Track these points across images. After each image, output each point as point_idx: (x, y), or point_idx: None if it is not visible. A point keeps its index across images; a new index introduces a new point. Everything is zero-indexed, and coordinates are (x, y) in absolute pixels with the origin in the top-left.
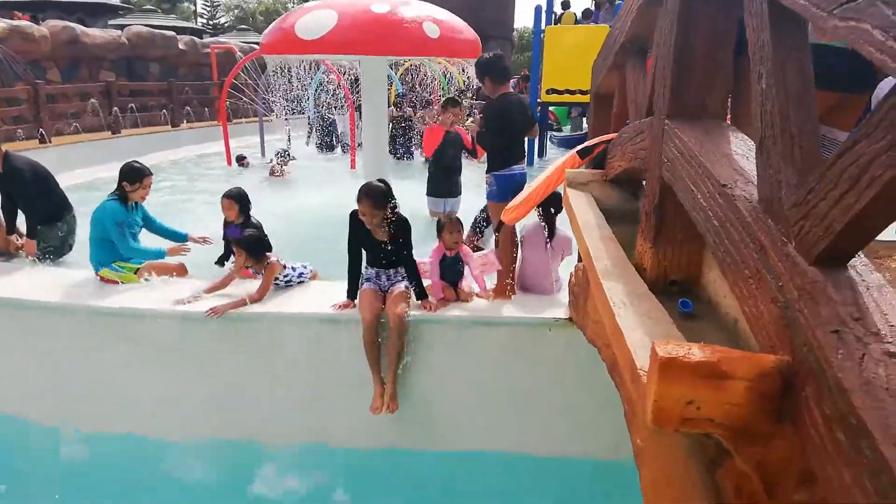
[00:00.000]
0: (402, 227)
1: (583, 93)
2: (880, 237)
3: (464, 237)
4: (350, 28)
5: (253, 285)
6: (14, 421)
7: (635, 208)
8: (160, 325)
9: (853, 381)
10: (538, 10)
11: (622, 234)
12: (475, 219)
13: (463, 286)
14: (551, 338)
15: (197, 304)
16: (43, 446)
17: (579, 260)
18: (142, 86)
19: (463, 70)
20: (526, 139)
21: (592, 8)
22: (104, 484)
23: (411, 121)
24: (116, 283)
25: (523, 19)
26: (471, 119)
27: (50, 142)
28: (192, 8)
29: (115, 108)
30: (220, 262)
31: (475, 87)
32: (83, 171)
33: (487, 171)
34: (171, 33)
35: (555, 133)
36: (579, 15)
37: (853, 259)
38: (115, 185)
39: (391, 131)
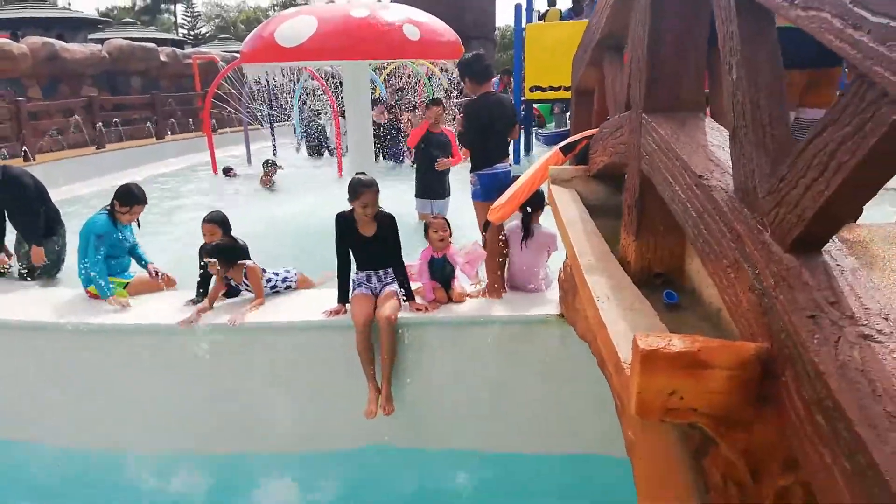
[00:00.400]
0: (388, 221)
1: (566, 89)
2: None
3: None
4: (330, 34)
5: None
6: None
7: (619, 202)
8: (151, 339)
9: (829, 364)
10: (518, 8)
11: (607, 228)
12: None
13: (455, 286)
14: (543, 334)
15: (203, 319)
16: (23, 464)
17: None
18: (124, 99)
19: (444, 70)
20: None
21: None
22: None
23: (400, 124)
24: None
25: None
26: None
27: (34, 159)
28: (173, 19)
29: (99, 123)
30: (200, 293)
31: (460, 87)
32: (69, 188)
33: (471, 171)
34: (152, 45)
35: (540, 130)
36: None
37: (828, 244)
38: (100, 202)
39: (379, 133)
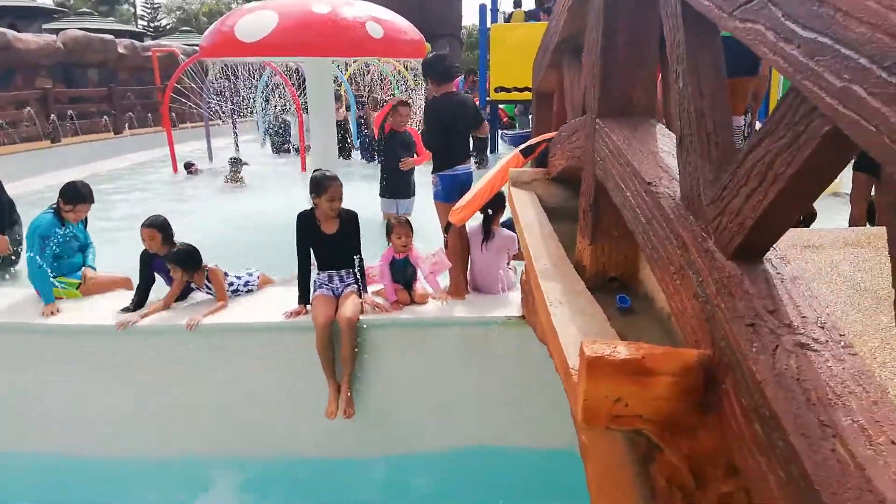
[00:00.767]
0: (350, 217)
1: (530, 90)
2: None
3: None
4: (291, 29)
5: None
6: None
7: (577, 206)
8: (104, 341)
9: (766, 373)
10: (483, 8)
11: (565, 231)
12: None
13: (417, 288)
14: (505, 336)
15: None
16: None
17: None
18: (81, 92)
19: (407, 68)
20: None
21: (534, 6)
22: None
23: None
24: (59, 298)
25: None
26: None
27: None
28: (132, 10)
29: (53, 116)
30: (134, 302)
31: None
32: (21, 183)
33: (433, 172)
34: (110, 37)
35: (506, 130)
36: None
37: (769, 252)
38: (55, 197)
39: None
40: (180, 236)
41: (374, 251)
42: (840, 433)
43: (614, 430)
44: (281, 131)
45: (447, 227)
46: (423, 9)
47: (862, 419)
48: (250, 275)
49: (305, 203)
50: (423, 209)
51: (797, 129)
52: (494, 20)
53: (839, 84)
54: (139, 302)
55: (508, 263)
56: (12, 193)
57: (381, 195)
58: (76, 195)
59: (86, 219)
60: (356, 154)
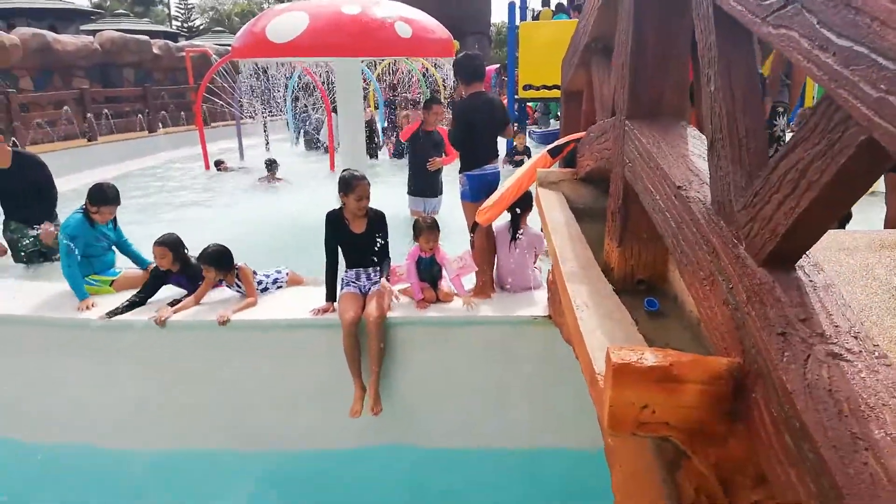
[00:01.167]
0: (378, 216)
1: (558, 88)
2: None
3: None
4: (321, 30)
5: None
6: None
7: (605, 207)
8: (139, 336)
9: (797, 383)
10: (511, 6)
11: (592, 232)
12: None
13: (442, 286)
14: (531, 335)
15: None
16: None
17: None
18: (116, 92)
19: (437, 66)
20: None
21: (565, 3)
22: (71, 497)
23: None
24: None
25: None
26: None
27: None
28: (166, 11)
29: (90, 116)
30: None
31: (454, 84)
32: (63, 180)
33: (460, 171)
34: (145, 38)
35: (534, 129)
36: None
37: (802, 259)
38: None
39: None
40: (211, 233)
41: (401, 250)
42: (873, 446)
43: (641, 437)
44: (312, 129)
45: (474, 227)
46: (452, 6)
47: None
48: (279, 272)
49: (335, 202)
50: (450, 209)
51: (831, 137)
52: (524, 18)
53: (875, 94)
54: (129, 306)
55: (535, 263)
56: None
57: (409, 193)
58: (101, 197)
59: (115, 218)
60: (382, 154)
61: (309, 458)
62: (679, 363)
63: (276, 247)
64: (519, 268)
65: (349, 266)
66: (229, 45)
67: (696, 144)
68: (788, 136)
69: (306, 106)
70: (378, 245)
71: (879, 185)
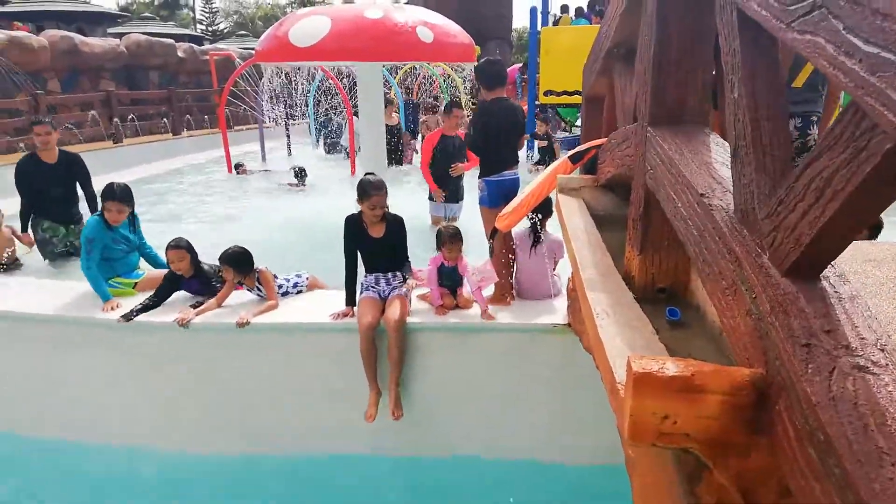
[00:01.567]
0: (396, 221)
1: (579, 94)
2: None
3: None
4: (344, 34)
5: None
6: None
7: (627, 214)
8: (159, 337)
9: (822, 395)
10: (533, 11)
11: (613, 239)
12: None
13: (462, 292)
14: (551, 343)
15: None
16: (40, 459)
17: None
18: (142, 94)
19: (459, 70)
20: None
21: (585, 8)
22: (96, 495)
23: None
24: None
25: (522, 19)
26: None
27: None
28: (191, 15)
29: (116, 118)
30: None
31: (475, 89)
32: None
33: (479, 177)
34: (170, 41)
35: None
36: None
37: (827, 270)
38: None
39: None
40: (232, 235)
41: (422, 256)
42: None
43: (661, 447)
44: (332, 132)
45: (493, 233)
46: (474, 11)
47: None
48: (299, 276)
49: (355, 206)
50: (469, 215)
51: (857, 145)
52: (545, 23)
53: None
54: (142, 309)
55: (555, 269)
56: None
57: (430, 198)
58: (108, 192)
59: (135, 220)
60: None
61: (325, 461)
62: (701, 373)
63: (297, 251)
64: (539, 274)
65: (368, 271)
66: (252, 49)
67: (719, 152)
68: None
69: (327, 110)
70: (397, 250)
71: None
